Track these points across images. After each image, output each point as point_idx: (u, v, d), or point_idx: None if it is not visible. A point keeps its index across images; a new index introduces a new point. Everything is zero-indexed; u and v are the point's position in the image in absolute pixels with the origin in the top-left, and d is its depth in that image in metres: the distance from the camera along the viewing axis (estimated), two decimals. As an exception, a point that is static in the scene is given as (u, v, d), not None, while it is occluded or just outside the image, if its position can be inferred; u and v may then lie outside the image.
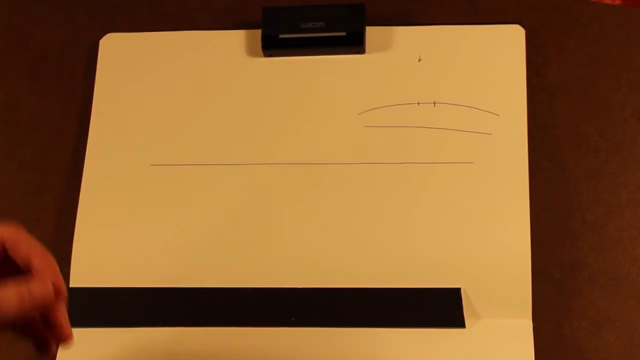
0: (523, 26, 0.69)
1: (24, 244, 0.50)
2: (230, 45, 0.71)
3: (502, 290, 0.63)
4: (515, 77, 0.67)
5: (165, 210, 0.68)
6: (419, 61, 0.69)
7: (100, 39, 0.72)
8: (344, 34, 0.69)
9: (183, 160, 0.69)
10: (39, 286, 0.48)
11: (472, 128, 0.67)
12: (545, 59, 0.69)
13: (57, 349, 0.54)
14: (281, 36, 0.70)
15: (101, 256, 0.67)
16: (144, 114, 0.70)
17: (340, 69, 0.69)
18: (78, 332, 0.65)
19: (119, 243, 0.67)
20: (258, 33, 0.70)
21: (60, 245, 0.68)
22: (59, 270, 0.50)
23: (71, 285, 0.66)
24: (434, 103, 0.68)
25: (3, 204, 0.70)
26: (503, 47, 0.68)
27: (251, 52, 0.71)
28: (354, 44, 0.69)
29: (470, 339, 0.62)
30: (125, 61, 0.72)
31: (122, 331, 0.65)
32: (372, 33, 0.70)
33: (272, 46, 0.70)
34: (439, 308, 0.63)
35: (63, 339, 0.52)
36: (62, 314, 0.51)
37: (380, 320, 0.63)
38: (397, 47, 0.70)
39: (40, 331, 0.52)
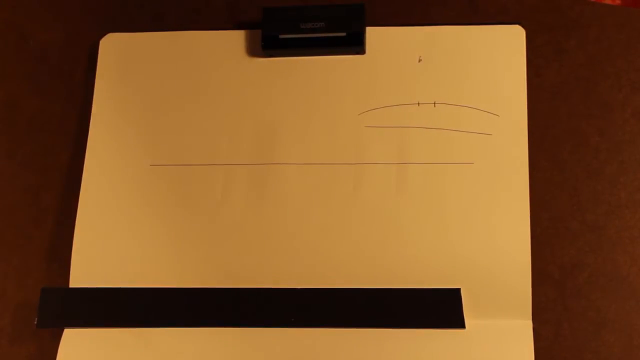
0: (523, 26, 0.69)
1: None
2: (230, 45, 0.71)
3: (502, 291, 0.63)
4: (515, 77, 0.67)
5: (165, 210, 0.68)
6: (419, 61, 0.69)
7: (100, 39, 0.72)
8: (344, 34, 0.69)
9: (183, 160, 0.69)
10: None
11: (472, 128, 0.67)
12: (545, 59, 0.69)
13: None
14: (281, 36, 0.70)
15: (101, 256, 0.67)
16: (144, 114, 0.70)
17: (340, 69, 0.69)
18: (78, 332, 0.66)
19: (119, 243, 0.67)
20: (258, 33, 0.70)
21: (60, 245, 0.68)
22: None
23: (71, 285, 0.66)
24: (434, 103, 0.68)
25: (3, 204, 0.70)
26: (503, 48, 0.68)
27: (251, 52, 0.71)
28: (354, 44, 0.69)
29: (470, 340, 0.62)
30: (125, 61, 0.72)
31: (122, 331, 0.65)
32: (372, 33, 0.70)
33: (272, 46, 0.70)
34: (439, 308, 0.63)
35: None
36: None
37: (380, 320, 0.63)
38: (397, 47, 0.69)
39: None
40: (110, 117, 0.70)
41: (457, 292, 0.63)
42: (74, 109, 0.72)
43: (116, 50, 0.72)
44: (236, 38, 0.71)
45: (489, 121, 0.67)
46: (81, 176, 0.69)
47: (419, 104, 0.68)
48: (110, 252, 0.67)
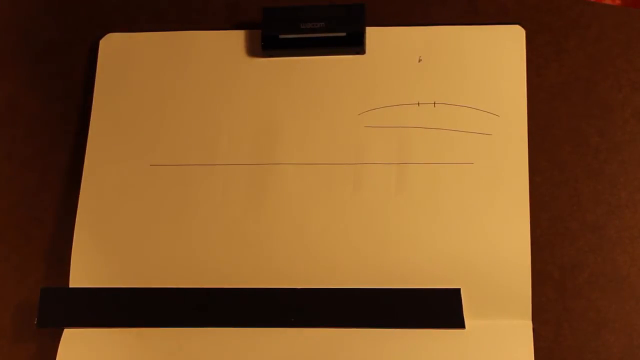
0: (523, 27, 0.69)
1: None
2: (230, 45, 0.71)
3: (502, 291, 0.63)
4: (515, 78, 0.67)
5: (165, 210, 0.68)
6: (419, 61, 0.69)
7: (100, 39, 0.72)
8: (344, 34, 0.69)
9: (183, 160, 0.69)
10: None
11: (472, 128, 0.67)
12: (546, 59, 0.69)
13: None
14: (281, 36, 0.70)
15: (101, 256, 0.67)
16: (144, 114, 0.70)
17: (340, 69, 0.69)
18: (78, 332, 0.66)
19: (119, 243, 0.67)
20: (258, 33, 0.70)
21: (60, 245, 0.68)
22: None
23: (71, 285, 0.66)
24: (434, 103, 0.68)
25: (3, 204, 0.70)
26: (503, 48, 0.68)
27: (251, 52, 0.71)
28: (354, 44, 0.69)
29: (470, 340, 0.62)
30: (125, 61, 0.72)
31: (122, 331, 0.65)
32: (372, 33, 0.70)
33: (272, 46, 0.70)
34: (439, 309, 0.63)
35: None
36: None
37: (380, 320, 0.63)
38: (397, 47, 0.69)
39: None
40: (110, 117, 0.70)
41: (457, 292, 0.63)
42: (74, 109, 0.72)
43: (116, 50, 0.72)
44: (236, 38, 0.71)
45: (489, 121, 0.67)
46: (81, 176, 0.69)
47: (419, 104, 0.68)
48: (110, 252, 0.67)
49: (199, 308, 0.65)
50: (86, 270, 0.67)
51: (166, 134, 0.69)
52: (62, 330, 0.66)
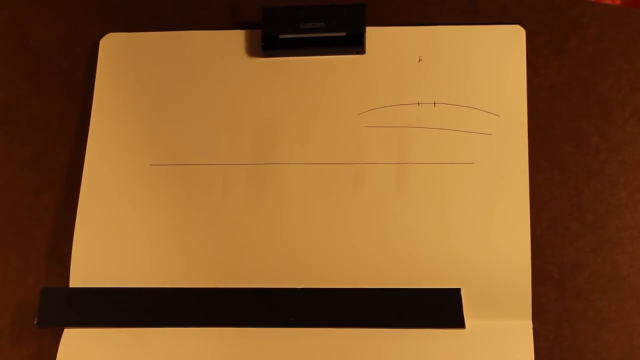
0: (523, 27, 0.69)
1: None
2: (230, 45, 0.71)
3: (502, 291, 0.63)
4: (515, 78, 0.67)
5: (165, 210, 0.68)
6: (419, 61, 0.69)
7: (100, 39, 0.72)
8: (343, 34, 0.69)
9: (183, 160, 0.69)
10: None
11: (472, 128, 0.67)
12: (546, 59, 0.69)
13: None
14: (281, 36, 0.70)
15: (101, 256, 0.67)
16: (144, 113, 0.70)
17: (340, 69, 0.69)
18: (78, 332, 0.66)
19: (119, 243, 0.67)
20: (258, 33, 0.70)
21: (60, 245, 0.68)
22: None
23: (71, 285, 0.66)
24: (434, 103, 0.68)
25: (3, 204, 0.70)
26: (503, 48, 0.68)
27: (251, 52, 0.71)
28: (354, 44, 0.69)
29: (470, 340, 0.62)
30: (125, 61, 0.72)
31: (122, 331, 0.65)
32: (372, 33, 0.70)
33: (272, 46, 0.70)
34: (439, 308, 0.63)
35: None
36: None
37: (380, 320, 0.63)
38: (397, 47, 0.69)
39: None
40: (110, 117, 0.70)
41: (457, 292, 0.63)
42: (74, 109, 0.72)
43: (116, 50, 0.72)
44: (236, 38, 0.71)
45: (489, 121, 0.67)
46: (81, 176, 0.69)
47: (419, 104, 0.68)
48: (110, 252, 0.67)
49: (199, 308, 0.65)
50: (86, 270, 0.67)
51: (166, 134, 0.69)
52: (62, 330, 0.66)
